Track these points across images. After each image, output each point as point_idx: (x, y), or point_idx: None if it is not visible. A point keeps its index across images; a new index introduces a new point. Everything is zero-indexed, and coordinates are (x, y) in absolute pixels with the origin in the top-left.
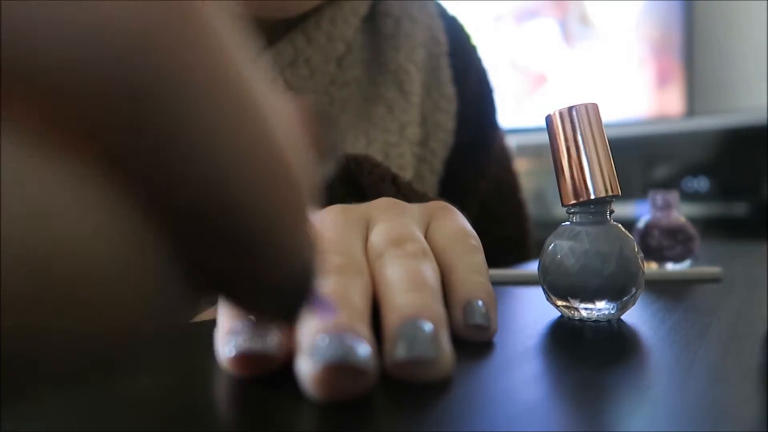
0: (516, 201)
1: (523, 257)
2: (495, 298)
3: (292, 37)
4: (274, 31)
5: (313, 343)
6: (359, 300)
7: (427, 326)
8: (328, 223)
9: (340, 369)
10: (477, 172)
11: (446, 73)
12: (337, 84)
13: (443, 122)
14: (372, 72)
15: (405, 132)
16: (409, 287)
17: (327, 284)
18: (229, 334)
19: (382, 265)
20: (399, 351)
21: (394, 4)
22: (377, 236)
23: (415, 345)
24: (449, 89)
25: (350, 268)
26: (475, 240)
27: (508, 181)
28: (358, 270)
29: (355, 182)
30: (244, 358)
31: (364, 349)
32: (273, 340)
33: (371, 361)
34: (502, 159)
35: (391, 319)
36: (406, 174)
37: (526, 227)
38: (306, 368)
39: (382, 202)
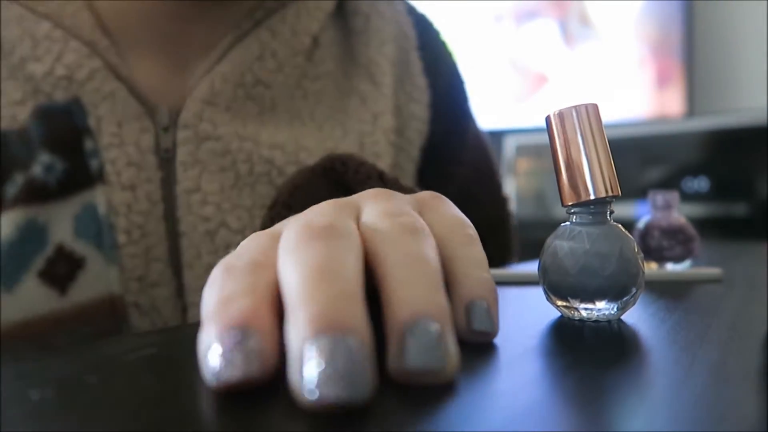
0: (494, 185)
1: (504, 239)
2: (497, 296)
3: (257, 32)
4: (240, 28)
5: (303, 353)
6: (350, 270)
7: (435, 328)
8: (314, 211)
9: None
10: (453, 159)
11: (417, 66)
12: (309, 77)
13: (417, 112)
14: (345, 66)
15: (378, 121)
16: (412, 274)
17: (310, 251)
18: (211, 358)
19: (380, 241)
20: (407, 359)
21: (363, 3)
22: (370, 214)
23: (424, 354)
24: (421, 80)
25: (336, 232)
26: (472, 230)
27: (485, 167)
28: (345, 233)
29: (341, 182)
30: (227, 386)
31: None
32: (256, 362)
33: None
34: (478, 146)
35: (396, 316)
36: (383, 160)
37: (506, 210)
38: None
39: (370, 191)
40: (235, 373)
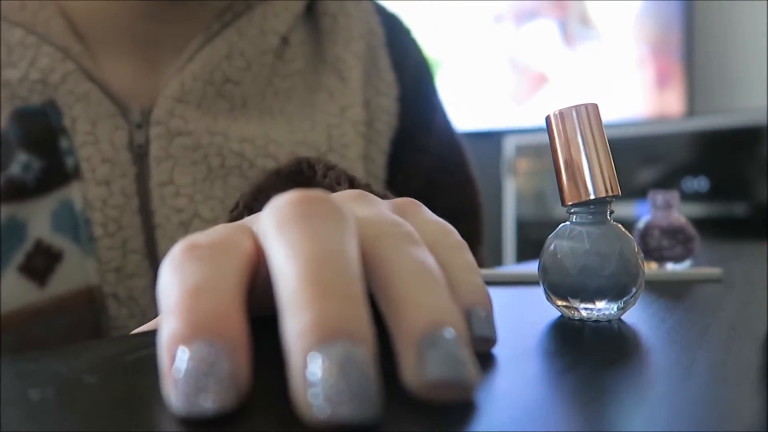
0: (463, 176)
1: (471, 227)
2: (492, 302)
3: (226, 33)
4: (209, 30)
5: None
6: (354, 263)
7: (456, 336)
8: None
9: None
10: (417, 147)
11: (385, 62)
12: (280, 75)
13: (386, 105)
14: (315, 64)
15: (346, 113)
16: (424, 281)
17: (308, 233)
18: (178, 378)
19: (382, 244)
20: (429, 371)
21: (331, 3)
22: (358, 214)
23: (447, 364)
24: (389, 75)
25: (336, 210)
26: (458, 235)
27: (452, 158)
28: (345, 215)
29: (310, 186)
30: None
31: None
32: (232, 391)
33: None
34: (445, 137)
35: (412, 324)
36: (351, 151)
37: (477, 200)
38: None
39: (348, 192)
40: (208, 406)
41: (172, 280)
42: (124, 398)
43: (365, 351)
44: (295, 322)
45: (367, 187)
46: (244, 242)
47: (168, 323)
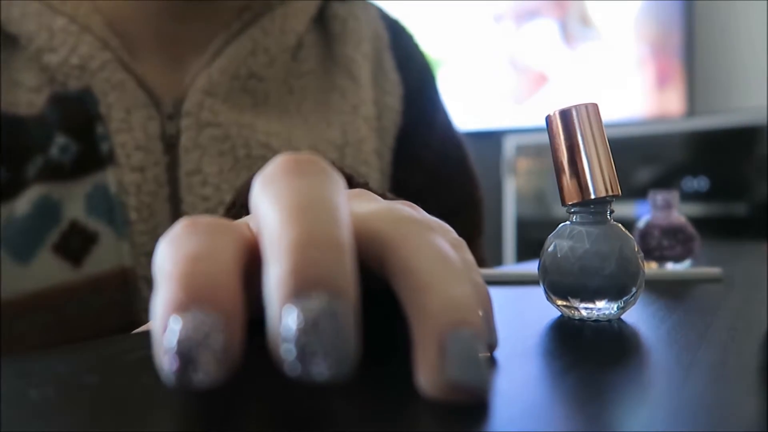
0: (463, 170)
1: (472, 218)
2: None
3: (250, 31)
4: (230, 28)
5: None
6: (342, 212)
7: (477, 340)
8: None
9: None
10: (420, 143)
11: (389, 63)
12: (295, 75)
13: (391, 104)
14: (326, 65)
15: (358, 111)
16: (446, 271)
17: (295, 184)
18: (170, 347)
19: (394, 229)
20: (450, 370)
21: (340, 6)
22: (364, 207)
23: (467, 366)
24: (393, 75)
25: (328, 171)
26: (456, 234)
27: (454, 155)
28: (338, 177)
29: None
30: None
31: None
32: (223, 365)
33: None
34: (447, 135)
35: (437, 318)
36: (367, 145)
37: (477, 194)
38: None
39: (350, 191)
40: (199, 378)
41: (170, 250)
42: (124, 398)
43: (343, 304)
44: (273, 270)
45: (366, 186)
46: (243, 228)
47: (164, 290)
